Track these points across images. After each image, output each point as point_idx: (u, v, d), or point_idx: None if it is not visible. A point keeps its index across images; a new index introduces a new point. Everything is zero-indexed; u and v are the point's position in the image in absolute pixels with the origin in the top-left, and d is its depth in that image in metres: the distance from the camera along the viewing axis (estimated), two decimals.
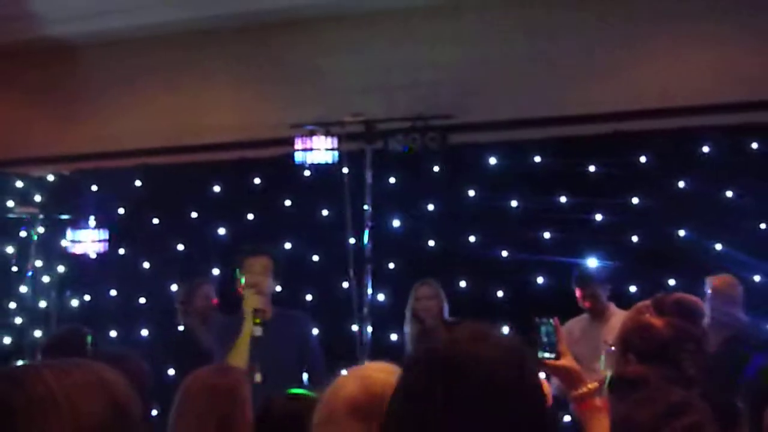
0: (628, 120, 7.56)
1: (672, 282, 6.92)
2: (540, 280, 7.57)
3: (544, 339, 3.13)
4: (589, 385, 2.91)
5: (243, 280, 5.76)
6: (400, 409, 1.84)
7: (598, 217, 7.48)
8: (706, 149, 7.31)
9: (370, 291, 7.59)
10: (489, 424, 1.75)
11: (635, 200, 7.39)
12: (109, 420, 1.72)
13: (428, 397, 1.78)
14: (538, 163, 7.70)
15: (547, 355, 3.05)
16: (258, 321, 5.42)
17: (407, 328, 7.05)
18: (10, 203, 8.71)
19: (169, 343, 7.35)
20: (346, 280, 7.71)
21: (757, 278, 6.97)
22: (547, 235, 7.56)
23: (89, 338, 4.39)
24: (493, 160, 7.82)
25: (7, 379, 1.71)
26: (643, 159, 7.43)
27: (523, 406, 1.80)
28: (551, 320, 3.09)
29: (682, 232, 7.23)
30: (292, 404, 3.32)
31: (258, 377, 5.13)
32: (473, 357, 1.80)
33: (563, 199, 7.57)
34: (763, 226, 7.10)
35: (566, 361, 2.99)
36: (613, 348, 3.09)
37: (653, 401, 2.50)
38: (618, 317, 5.92)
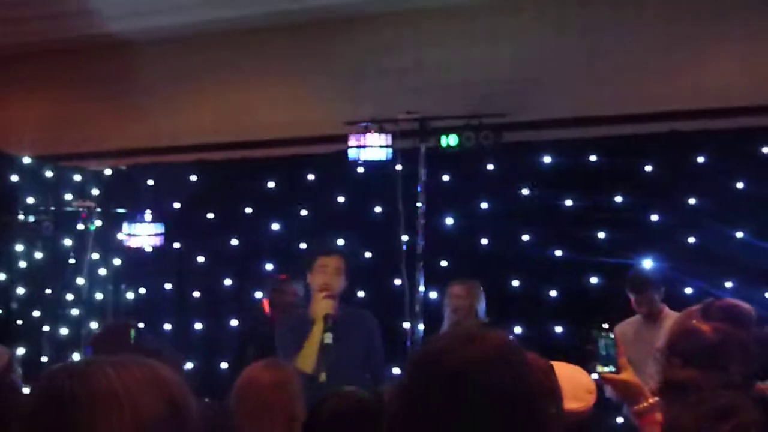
0: (685, 119, 7.45)
1: (729, 284, 6.82)
2: (594, 280, 7.49)
3: (603, 352, 3.10)
4: (650, 400, 2.88)
5: (315, 280, 5.55)
6: (401, 412, 1.86)
7: (654, 217, 7.38)
8: (765, 150, 7.18)
9: (422, 289, 7.60)
10: (484, 424, 1.78)
11: (692, 201, 7.28)
12: (167, 416, 1.75)
13: (425, 400, 1.82)
14: (593, 162, 7.62)
15: (607, 369, 3.03)
16: (330, 327, 5.32)
17: (444, 327, 6.89)
18: (68, 197, 8.83)
19: (253, 335, 7.29)
20: (398, 278, 7.72)
21: None
22: (601, 235, 7.48)
23: (132, 332, 4.44)
24: (547, 159, 7.75)
25: (71, 374, 1.75)
26: (700, 159, 7.32)
27: (516, 404, 1.82)
28: (610, 333, 3.07)
29: (739, 234, 7.11)
30: (343, 403, 3.33)
31: (323, 377, 5.07)
32: (465, 359, 1.83)
33: (618, 199, 7.49)
34: None
35: (627, 375, 2.97)
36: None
37: (702, 404, 2.48)
38: (672, 319, 5.84)
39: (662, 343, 3.04)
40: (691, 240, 7.24)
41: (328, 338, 5.23)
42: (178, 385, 1.83)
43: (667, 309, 6.52)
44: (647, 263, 7.09)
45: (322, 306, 5.35)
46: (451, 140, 7.55)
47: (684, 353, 2.90)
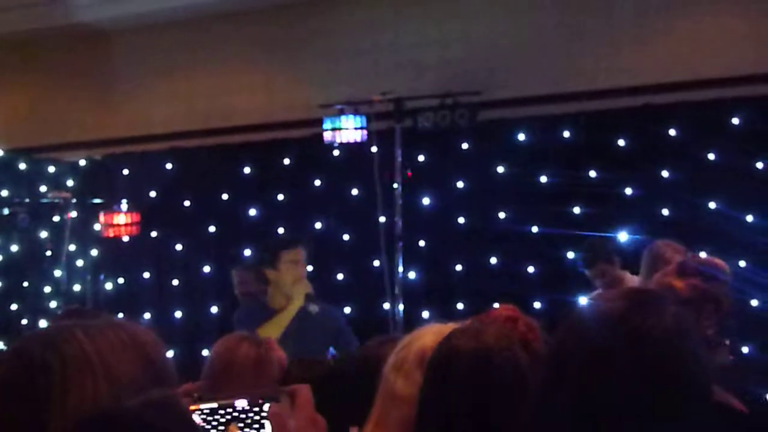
0: (657, 93, 7.53)
1: (702, 254, 6.89)
2: (571, 254, 7.56)
3: None
4: None
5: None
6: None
7: (628, 190, 7.45)
8: (735, 121, 7.26)
9: (401, 269, 7.64)
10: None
11: (665, 173, 7.35)
12: (143, 378, 1.74)
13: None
14: (568, 137, 7.68)
15: None
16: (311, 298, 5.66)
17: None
18: (44, 188, 8.81)
19: None
20: (377, 259, 7.77)
21: None
22: (577, 209, 7.55)
23: None
24: (522, 136, 7.80)
25: (41, 340, 1.73)
26: (672, 132, 7.39)
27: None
28: None
29: (712, 204, 7.21)
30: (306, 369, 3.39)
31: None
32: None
33: (593, 174, 7.55)
34: None
35: None
36: None
37: None
38: (635, 283, 5.90)
39: None
40: (665, 212, 7.33)
41: (314, 309, 5.51)
42: (155, 346, 1.81)
43: (628, 275, 6.52)
44: (622, 236, 7.17)
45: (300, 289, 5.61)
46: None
47: None
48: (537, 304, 7.53)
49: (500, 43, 8.02)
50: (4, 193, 8.73)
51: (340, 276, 8.14)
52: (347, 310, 7.76)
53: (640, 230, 7.20)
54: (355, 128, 7.63)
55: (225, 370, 3.55)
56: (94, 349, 1.72)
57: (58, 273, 8.65)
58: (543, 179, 7.69)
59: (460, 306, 7.79)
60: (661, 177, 7.36)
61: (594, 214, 7.44)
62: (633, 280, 6.26)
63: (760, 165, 7.16)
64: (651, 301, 1.88)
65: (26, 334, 1.82)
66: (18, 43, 9.54)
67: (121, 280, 9.02)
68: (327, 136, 7.69)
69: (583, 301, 6.97)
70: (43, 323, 8.57)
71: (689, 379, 1.81)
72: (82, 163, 9.17)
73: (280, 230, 8.32)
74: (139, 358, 1.76)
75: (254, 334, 4.01)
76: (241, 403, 1.86)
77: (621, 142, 7.50)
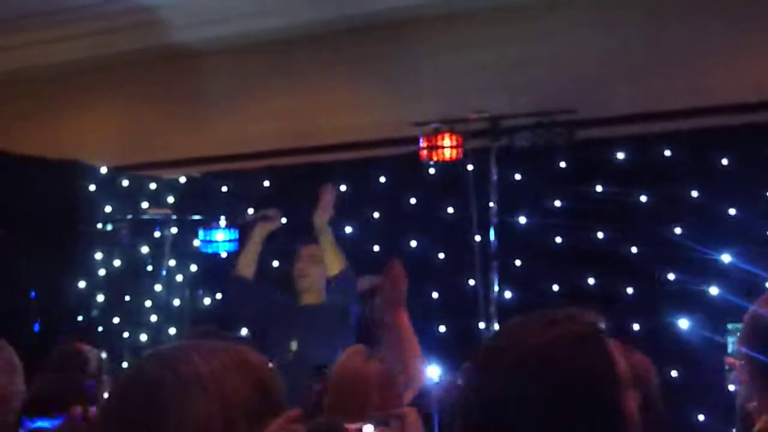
0: (760, 111, 7.33)
1: None
2: (671, 276, 7.39)
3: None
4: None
5: None
6: None
7: (732, 211, 7.26)
8: None
9: (496, 288, 7.57)
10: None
11: None
12: (256, 400, 1.78)
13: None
14: (668, 156, 7.52)
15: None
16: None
17: None
18: (145, 205, 8.98)
19: None
20: (472, 278, 7.71)
21: None
22: (678, 230, 7.38)
23: None
24: (620, 155, 7.67)
25: (157, 360, 1.82)
26: None
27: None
28: None
29: None
30: None
31: (294, 346, 5.25)
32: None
33: (694, 194, 7.38)
34: None
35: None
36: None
37: None
38: None
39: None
40: None
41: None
42: (267, 370, 1.87)
43: None
44: (725, 258, 6.98)
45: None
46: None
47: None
48: (636, 326, 7.38)
49: (597, 60, 7.91)
50: (108, 209, 8.92)
51: (434, 295, 8.10)
52: (441, 328, 7.73)
53: (744, 252, 6.99)
54: (451, 147, 7.60)
55: (353, 389, 3.55)
56: (209, 370, 1.77)
57: (157, 288, 8.81)
58: (642, 199, 7.53)
59: None
60: (765, 197, 7.15)
61: (695, 234, 7.25)
62: None
63: None
64: (558, 320, 1.87)
65: (146, 353, 1.90)
66: (117, 64, 9.76)
67: (218, 296, 9.12)
68: (423, 154, 7.69)
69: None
70: (143, 337, 8.75)
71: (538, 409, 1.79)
72: (182, 180, 9.32)
73: (375, 248, 8.32)
74: (251, 381, 1.81)
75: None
76: (369, 429, 1.91)
77: (724, 161, 7.31)
